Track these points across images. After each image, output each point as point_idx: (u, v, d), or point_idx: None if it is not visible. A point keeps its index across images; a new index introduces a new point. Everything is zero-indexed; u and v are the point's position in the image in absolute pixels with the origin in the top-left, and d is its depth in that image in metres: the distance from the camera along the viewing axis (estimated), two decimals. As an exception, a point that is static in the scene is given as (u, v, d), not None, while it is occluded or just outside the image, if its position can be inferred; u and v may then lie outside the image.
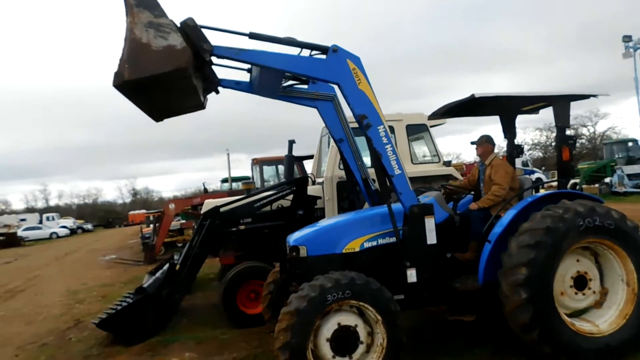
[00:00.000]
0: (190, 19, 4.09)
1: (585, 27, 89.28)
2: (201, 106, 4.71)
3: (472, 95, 4.58)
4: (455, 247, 4.90)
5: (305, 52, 4.42)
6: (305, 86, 5.35)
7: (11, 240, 36.87)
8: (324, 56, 4.34)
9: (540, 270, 4.06)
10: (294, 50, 4.40)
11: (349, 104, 4.38)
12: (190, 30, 4.01)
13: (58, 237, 46.02)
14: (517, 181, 5.23)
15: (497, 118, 5.68)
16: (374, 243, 4.58)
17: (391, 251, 4.52)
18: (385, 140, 4.44)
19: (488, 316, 4.78)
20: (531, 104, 5.34)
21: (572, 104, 4.91)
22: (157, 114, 4.57)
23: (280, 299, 4.96)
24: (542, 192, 5.39)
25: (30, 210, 73.64)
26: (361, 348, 3.94)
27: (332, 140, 6.49)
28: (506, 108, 5.48)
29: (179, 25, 4.04)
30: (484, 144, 5.38)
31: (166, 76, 3.76)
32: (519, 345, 4.38)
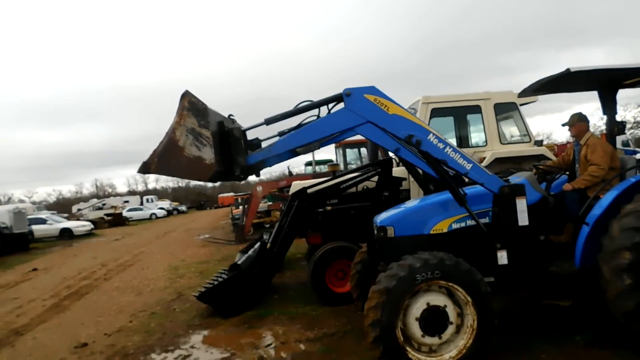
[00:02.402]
0: (238, 129, 4.20)
1: None
2: (240, 180, 4.77)
3: (568, 69, 4.34)
4: (550, 229, 4.70)
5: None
6: None
7: (118, 220, 40.60)
8: (342, 104, 4.26)
9: None
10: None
11: (389, 134, 4.26)
12: (234, 142, 4.08)
13: (157, 217, 49.71)
14: (617, 161, 4.89)
15: (590, 95, 5.34)
16: (463, 224, 4.51)
17: (480, 232, 4.42)
18: (441, 145, 4.27)
19: (587, 302, 4.57)
20: (636, 76, 4.93)
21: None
22: None
23: (368, 278, 5.09)
24: (647, 172, 5.00)
25: (131, 193, 79.86)
26: (450, 329, 3.94)
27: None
28: (606, 82, 5.10)
29: (231, 124, 4.14)
30: (577, 122, 5.10)
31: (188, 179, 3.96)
32: (623, 333, 4.15)
